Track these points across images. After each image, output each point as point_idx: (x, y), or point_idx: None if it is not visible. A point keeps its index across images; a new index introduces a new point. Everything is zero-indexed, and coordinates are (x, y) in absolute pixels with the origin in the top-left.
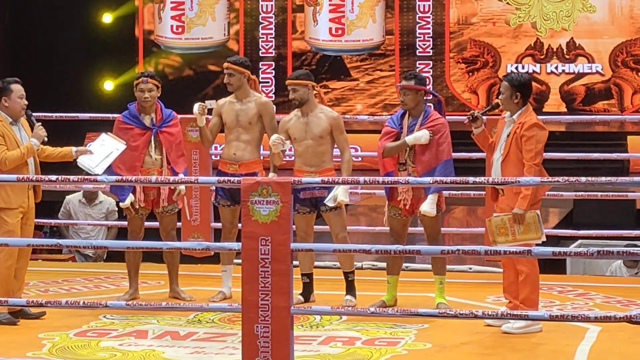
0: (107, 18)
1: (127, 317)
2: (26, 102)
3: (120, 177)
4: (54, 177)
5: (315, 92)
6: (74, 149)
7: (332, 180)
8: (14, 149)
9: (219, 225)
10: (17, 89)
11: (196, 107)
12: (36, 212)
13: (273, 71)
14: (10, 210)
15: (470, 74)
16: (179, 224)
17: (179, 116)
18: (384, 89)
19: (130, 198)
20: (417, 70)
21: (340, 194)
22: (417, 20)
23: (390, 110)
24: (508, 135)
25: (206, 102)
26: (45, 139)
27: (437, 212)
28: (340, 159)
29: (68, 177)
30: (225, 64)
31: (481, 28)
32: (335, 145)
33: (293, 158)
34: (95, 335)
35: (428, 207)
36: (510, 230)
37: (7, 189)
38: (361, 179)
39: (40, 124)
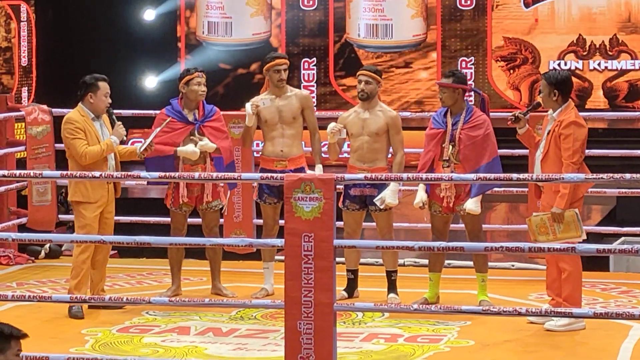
0: (149, 15)
1: (170, 314)
2: (110, 101)
3: (163, 174)
4: (97, 174)
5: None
6: (140, 148)
7: (375, 177)
8: (95, 145)
9: (261, 221)
10: (104, 86)
11: (249, 107)
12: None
13: (315, 67)
14: (88, 204)
15: (511, 71)
16: (221, 220)
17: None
18: (400, 86)
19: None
20: (457, 67)
21: (388, 196)
22: (458, 15)
23: (407, 108)
24: (548, 133)
25: (259, 101)
26: (125, 137)
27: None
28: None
29: (111, 173)
30: (287, 60)
31: (521, 24)
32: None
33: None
34: (137, 331)
35: (473, 205)
36: (551, 230)
37: (87, 183)
38: (404, 175)
39: (120, 123)
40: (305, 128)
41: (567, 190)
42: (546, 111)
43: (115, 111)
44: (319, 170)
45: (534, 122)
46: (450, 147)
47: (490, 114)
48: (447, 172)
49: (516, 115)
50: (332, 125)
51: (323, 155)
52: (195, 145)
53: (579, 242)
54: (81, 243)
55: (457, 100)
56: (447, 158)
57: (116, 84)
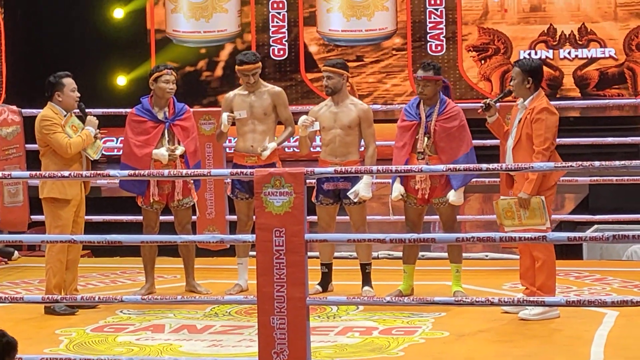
0: (119, 13)
1: (144, 312)
2: (78, 95)
3: (133, 172)
4: (66, 173)
5: (348, 83)
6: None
7: (345, 170)
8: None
9: (234, 217)
10: (69, 82)
11: (225, 118)
12: None
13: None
14: (65, 204)
15: (483, 61)
16: (194, 217)
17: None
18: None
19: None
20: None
21: (361, 189)
22: (427, 6)
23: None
24: (519, 121)
25: (235, 112)
26: (98, 130)
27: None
28: None
29: (80, 172)
30: (253, 65)
31: (491, 15)
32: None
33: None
34: (112, 330)
35: (456, 197)
36: (517, 215)
37: (64, 180)
38: (374, 167)
39: (90, 113)
40: (280, 123)
41: (534, 176)
42: (515, 101)
43: (86, 110)
44: (271, 147)
45: (503, 112)
46: (426, 139)
47: (462, 105)
48: (422, 164)
49: (487, 102)
50: (303, 117)
51: (296, 150)
52: (173, 151)
53: (544, 230)
54: (56, 244)
55: (436, 92)
56: (422, 150)
57: (87, 82)
